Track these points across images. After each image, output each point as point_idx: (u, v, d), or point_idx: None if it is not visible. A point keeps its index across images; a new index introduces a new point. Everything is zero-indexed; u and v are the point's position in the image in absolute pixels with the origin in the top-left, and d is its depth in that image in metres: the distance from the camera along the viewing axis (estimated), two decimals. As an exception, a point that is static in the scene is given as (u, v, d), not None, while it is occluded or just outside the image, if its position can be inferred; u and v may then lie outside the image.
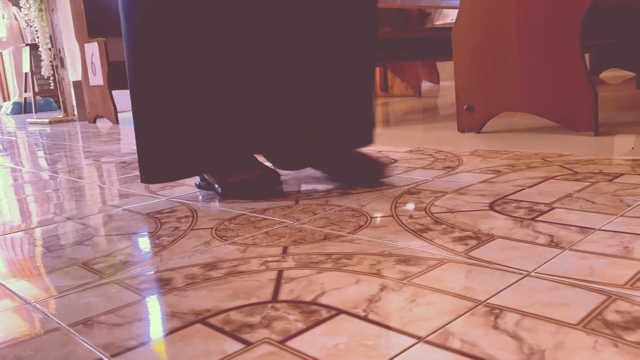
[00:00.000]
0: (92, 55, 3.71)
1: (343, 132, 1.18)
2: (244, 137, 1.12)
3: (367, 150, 1.23)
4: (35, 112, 6.10)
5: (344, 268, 0.69)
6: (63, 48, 4.37)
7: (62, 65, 4.41)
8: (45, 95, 6.54)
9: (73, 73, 4.36)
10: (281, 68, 1.10)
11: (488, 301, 0.56)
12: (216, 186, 1.16)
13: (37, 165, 1.97)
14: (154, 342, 0.54)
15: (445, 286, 0.61)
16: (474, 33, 1.75)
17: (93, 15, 3.79)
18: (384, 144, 1.77)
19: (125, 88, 4.67)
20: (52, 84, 4.65)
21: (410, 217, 0.90)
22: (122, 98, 5.36)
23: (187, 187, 1.31)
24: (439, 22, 4.24)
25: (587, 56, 3.76)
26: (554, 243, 0.72)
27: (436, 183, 1.13)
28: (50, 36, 4.35)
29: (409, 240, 0.78)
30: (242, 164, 1.16)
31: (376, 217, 0.91)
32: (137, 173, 1.58)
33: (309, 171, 1.36)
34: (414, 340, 0.50)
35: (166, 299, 0.65)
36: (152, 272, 0.74)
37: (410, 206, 0.97)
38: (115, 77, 3.70)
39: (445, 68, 4.90)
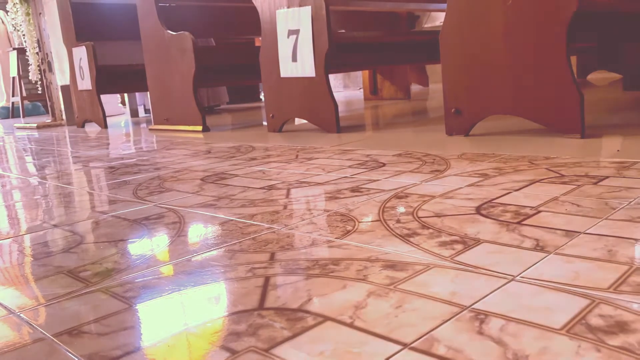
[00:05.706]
0: (80, 59, 3.69)
1: None
2: None
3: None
4: (23, 117, 6.05)
5: (330, 274, 0.69)
6: (51, 52, 4.34)
7: (50, 70, 4.38)
8: (33, 100, 6.50)
9: (61, 77, 4.33)
10: None
11: (473, 306, 0.57)
12: None
13: (25, 171, 1.95)
14: (139, 351, 0.54)
15: (431, 292, 0.61)
16: (461, 36, 1.75)
17: (81, 19, 3.77)
18: (372, 148, 1.77)
19: (113, 92, 4.65)
20: (40, 89, 4.62)
21: (398, 221, 0.90)
22: (111, 102, 5.35)
23: (175, 193, 1.30)
24: (427, 25, 4.25)
25: (574, 58, 3.79)
26: (539, 247, 0.72)
27: (424, 187, 1.13)
28: (38, 40, 4.32)
29: (396, 245, 0.78)
30: None
31: (364, 222, 0.92)
32: (125, 178, 1.57)
33: (298, 176, 1.36)
34: (399, 347, 0.50)
35: (152, 307, 0.64)
36: (139, 280, 0.74)
37: (398, 210, 0.97)
38: (103, 82, 3.68)
39: (436, 70, 4.91)
